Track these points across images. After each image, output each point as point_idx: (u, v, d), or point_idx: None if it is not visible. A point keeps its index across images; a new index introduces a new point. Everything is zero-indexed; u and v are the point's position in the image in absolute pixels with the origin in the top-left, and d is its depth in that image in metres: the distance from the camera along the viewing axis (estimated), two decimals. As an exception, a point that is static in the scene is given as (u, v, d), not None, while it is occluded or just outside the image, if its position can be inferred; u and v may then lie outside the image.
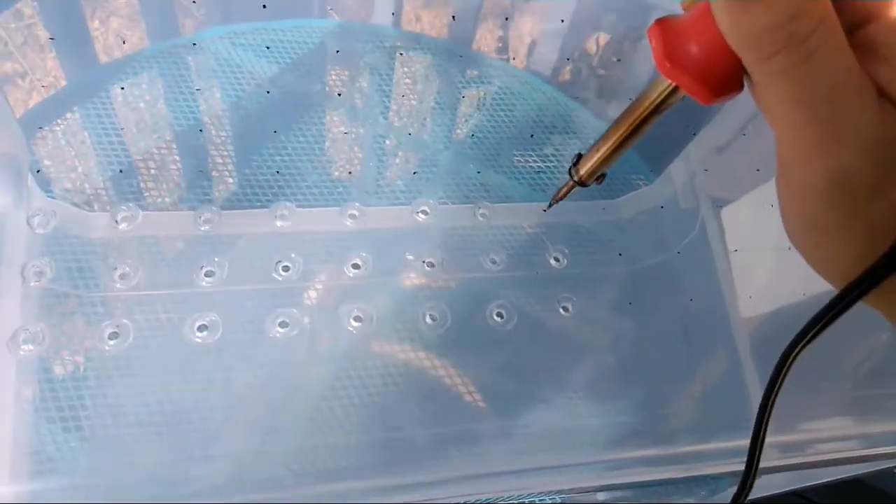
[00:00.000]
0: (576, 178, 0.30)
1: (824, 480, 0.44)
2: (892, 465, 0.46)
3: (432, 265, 0.51)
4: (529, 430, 0.45)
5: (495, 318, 0.50)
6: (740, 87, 0.22)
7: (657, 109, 0.25)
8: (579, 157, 0.29)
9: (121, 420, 0.43)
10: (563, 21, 0.75)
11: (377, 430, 0.44)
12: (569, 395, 0.48)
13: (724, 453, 0.42)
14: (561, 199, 0.33)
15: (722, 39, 0.20)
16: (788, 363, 0.24)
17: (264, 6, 0.57)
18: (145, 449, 0.42)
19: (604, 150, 0.28)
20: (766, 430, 0.26)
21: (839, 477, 0.45)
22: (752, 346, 0.49)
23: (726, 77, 0.21)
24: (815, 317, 0.22)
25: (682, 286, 0.54)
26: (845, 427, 0.46)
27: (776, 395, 0.24)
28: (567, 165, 0.62)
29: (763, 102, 0.20)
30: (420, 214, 0.54)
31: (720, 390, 0.49)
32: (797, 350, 0.23)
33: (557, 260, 0.54)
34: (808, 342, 0.23)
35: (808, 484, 0.46)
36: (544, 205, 0.58)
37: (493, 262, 0.52)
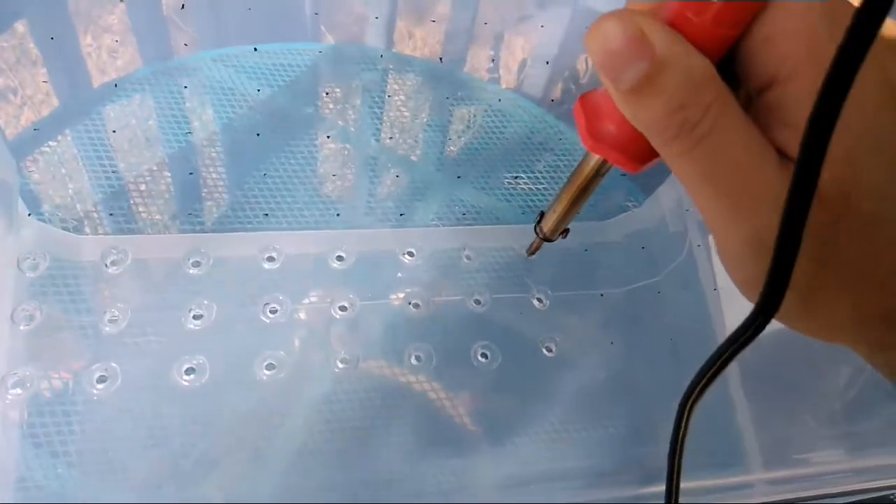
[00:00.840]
0: (541, 235, 0.31)
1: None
2: (888, 493, 0.46)
3: (418, 306, 0.52)
4: (518, 470, 0.45)
5: (480, 358, 0.50)
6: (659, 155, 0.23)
7: (597, 174, 0.26)
8: (542, 214, 0.31)
9: (109, 446, 0.43)
10: (554, 44, 0.76)
11: (362, 470, 0.44)
12: (557, 434, 0.48)
13: (712, 490, 0.42)
14: (534, 252, 0.34)
15: None
16: (685, 423, 0.25)
17: (255, 49, 0.58)
18: (133, 476, 0.42)
19: (559, 211, 0.29)
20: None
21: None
22: (741, 373, 0.50)
23: (644, 149, 0.22)
24: (700, 371, 0.23)
25: (669, 312, 0.55)
26: (837, 461, 0.46)
27: (681, 455, 0.26)
28: (557, 186, 0.63)
29: (677, 178, 0.22)
30: (406, 256, 0.55)
31: (709, 424, 0.49)
32: (688, 409, 0.24)
33: (540, 300, 0.54)
34: (699, 397, 0.24)
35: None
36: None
37: (478, 303, 0.53)
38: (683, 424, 0.24)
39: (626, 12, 0.20)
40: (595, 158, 0.25)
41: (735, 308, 0.52)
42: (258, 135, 0.59)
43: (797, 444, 0.47)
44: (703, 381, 0.23)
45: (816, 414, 0.49)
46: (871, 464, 0.46)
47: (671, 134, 0.20)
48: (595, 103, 0.23)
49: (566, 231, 0.31)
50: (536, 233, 0.31)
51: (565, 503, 0.41)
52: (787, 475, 0.44)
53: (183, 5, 0.63)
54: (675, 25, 0.20)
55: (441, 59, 0.73)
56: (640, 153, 0.22)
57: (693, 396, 0.24)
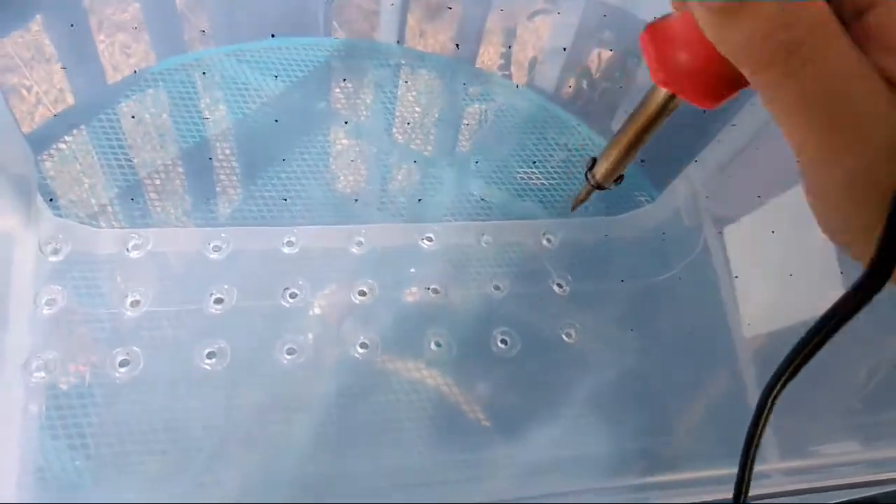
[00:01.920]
0: (592, 182, 0.29)
1: (834, 502, 0.44)
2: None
3: (437, 291, 0.52)
4: (536, 457, 0.45)
5: (500, 344, 0.50)
6: (742, 85, 0.21)
7: (662, 113, 0.24)
8: (594, 161, 0.29)
9: (126, 438, 0.43)
10: (566, 39, 0.76)
11: (382, 455, 0.44)
12: (574, 421, 0.48)
13: (727, 480, 0.41)
14: (581, 202, 0.31)
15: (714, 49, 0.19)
16: (770, 401, 0.22)
17: (273, 35, 0.58)
18: (149, 469, 0.42)
19: (615, 154, 0.27)
20: (751, 470, 0.25)
21: (848, 499, 0.45)
22: (756, 367, 0.50)
23: (724, 81, 0.20)
24: (795, 349, 0.21)
25: (685, 306, 0.55)
26: (852, 452, 0.46)
27: (761, 434, 0.23)
28: (570, 180, 0.62)
29: (770, 110, 0.19)
30: (425, 241, 0.55)
31: (724, 414, 0.49)
32: (778, 387, 0.22)
33: (560, 286, 0.54)
34: (791, 377, 0.21)
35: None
36: (548, 221, 0.59)
37: (497, 289, 0.53)
38: (768, 406, 0.22)
39: None
40: (662, 94, 0.23)
41: (750, 299, 0.52)
42: (275, 121, 0.60)
43: (813, 434, 0.47)
44: (804, 353, 0.20)
45: (833, 405, 0.49)
46: (889, 455, 0.45)
47: (770, 58, 0.18)
48: (667, 31, 0.21)
49: (620, 178, 0.29)
50: (587, 179, 0.29)
51: (580, 490, 0.41)
52: (802, 465, 0.44)
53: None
54: None
55: (458, 45, 0.73)
56: (718, 86, 0.20)
57: (787, 374, 0.21)
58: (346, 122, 0.62)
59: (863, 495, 0.44)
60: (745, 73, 0.19)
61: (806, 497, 0.42)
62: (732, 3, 0.18)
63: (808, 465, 0.44)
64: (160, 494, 0.41)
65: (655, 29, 0.21)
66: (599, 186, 0.29)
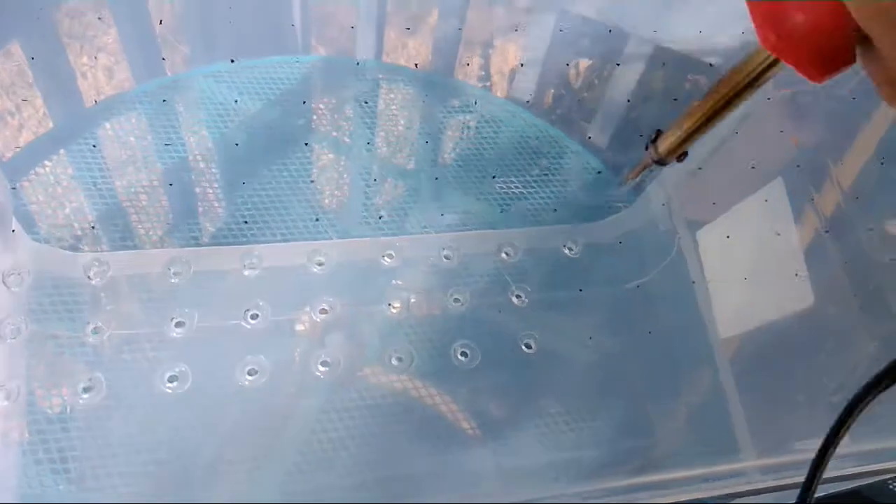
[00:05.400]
0: (654, 156, 0.27)
1: (819, 495, 0.44)
2: (885, 478, 0.46)
3: (397, 307, 0.52)
4: (521, 463, 0.45)
5: (459, 357, 0.51)
6: (853, 60, 0.19)
7: (753, 83, 0.22)
8: (658, 132, 0.27)
9: (108, 461, 0.43)
10: (543, 49, 0.76)
11: (349, 472, 0.44)
12: (550, 428, 0.48)
13: (710, 477, 0.42)
14: (635, 177, 0.30)
15: (839, 8, 0.17)
16: (855, 413, 0.22)
17: (232, 60, 0.58)
18: (132, 490, 0.42)
19: (688, 124, 0.25)
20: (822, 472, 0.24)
21: (829, 493, 0.45)
22: (734, 367, 0.50)
23: (840, 49, 0.19)
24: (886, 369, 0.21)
25: (661, 309, 0.55)
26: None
27: (836, 445, 0.23)
28: (549, 189, 0.62)
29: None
30: (385, 259, 0.55)
31: (703, 414, 0.49)
32: (867, 399, 0.22)
33: (519, 297, 0.54)
34: (881, 391, 0.22)
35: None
36: (520, 230, 0.59)
37: (457, 301, 0.53)
38: (852, 419, 0.22)
39: None
40: (760, 59, 0.21)
41: (723, 301, 0.52)
42: (252, 148, 0.60)
43: (791, 430, 0.47)
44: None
45: (810, 400, 0.49)
46: (870, 447, 0.45)
47: None
48: None
49: (684, 154, 0.26)
50: (648, 152, 0.27)
51: (568, 493, 0.41)
52: (780, 462, 0.44)
53: (161, 21, 0.64)
54: None
55: (416, 65, 0.73)
56: (832, 55, 0.19)
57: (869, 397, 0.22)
58: (323, 128, 0.62)
59: (845, 488, 0.44)
60: (879, 31, 0.17)
61: (786, 493, 0.42)
62: None
63: (787, 462, 0.44)
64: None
65: None
66: (660, 161, 0.27)
